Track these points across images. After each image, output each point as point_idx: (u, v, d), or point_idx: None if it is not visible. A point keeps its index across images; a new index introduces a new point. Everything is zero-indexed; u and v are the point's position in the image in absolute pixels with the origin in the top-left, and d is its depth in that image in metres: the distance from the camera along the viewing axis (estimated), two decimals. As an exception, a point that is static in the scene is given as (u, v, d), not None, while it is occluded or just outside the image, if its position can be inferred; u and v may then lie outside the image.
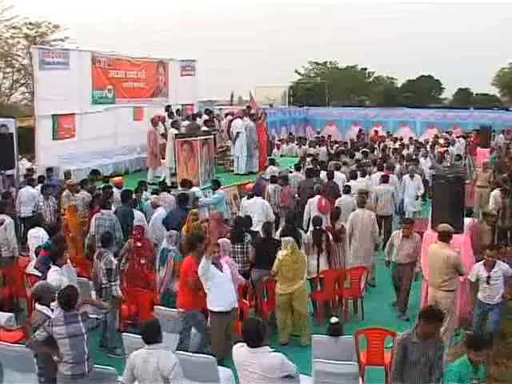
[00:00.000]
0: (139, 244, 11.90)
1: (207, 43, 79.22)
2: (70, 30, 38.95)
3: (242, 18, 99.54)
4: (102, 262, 10.33)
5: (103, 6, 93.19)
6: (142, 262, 11.81)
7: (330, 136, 31.83)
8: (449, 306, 10.33)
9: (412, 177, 18.68)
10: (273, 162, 20.45)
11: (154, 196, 14.80)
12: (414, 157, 22.85)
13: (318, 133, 34.93)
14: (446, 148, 26.37)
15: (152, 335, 7.06)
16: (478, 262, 10.84)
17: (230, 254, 11.30)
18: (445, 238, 10.52)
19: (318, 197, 15.67)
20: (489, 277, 10.35)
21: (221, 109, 27.61)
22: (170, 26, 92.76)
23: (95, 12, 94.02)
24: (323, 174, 18.28)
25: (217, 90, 41.80)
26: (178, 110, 23.27)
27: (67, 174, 17.17)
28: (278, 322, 11.17)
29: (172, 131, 19.04)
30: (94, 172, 17.94)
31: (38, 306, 8.27)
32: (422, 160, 22.57)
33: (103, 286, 10.35)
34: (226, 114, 23.77)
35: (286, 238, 11.36)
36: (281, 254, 11.14)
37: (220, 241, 11.00)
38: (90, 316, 8.14)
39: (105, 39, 45.81)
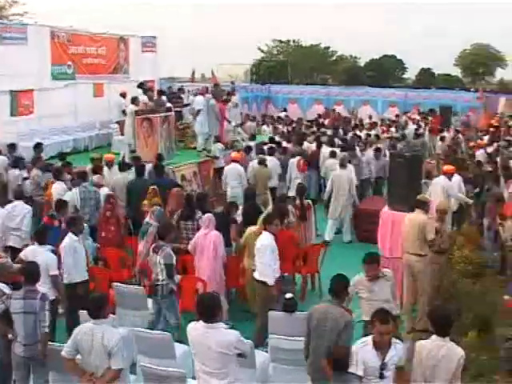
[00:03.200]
0: (108, 214, 12.30)
1: (168, 20, 78.48)
2: (28, 5, 38.38)
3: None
4: (161, 256, 9.63)
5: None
6: (112, 228, 12.30)
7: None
8: (422, 269, 10.70)
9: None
10: (217, 140, 20.13)
11: (97, 176, 14.56)
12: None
13: (285, 110, 35.03)
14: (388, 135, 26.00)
15: (97, 310, 7.01)
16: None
17: (181, 232, 11.50)
18: (419, 205, 10.89)
19: (297, 157, 17.64)
20: None
21: (182, 86, 27.39)
22: (130, 4, 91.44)
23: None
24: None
25: (179, 67, 41.48)
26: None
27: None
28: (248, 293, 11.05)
29: (131, 107, 18.84)
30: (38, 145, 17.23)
31: None
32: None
33: (159, 283, 9.63)
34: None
35: (263, 216, 11.18)
36: (249, 228, 11.12)
37: (205, 216, 11.00)
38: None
39: (65, 15, 45.26)
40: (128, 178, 14.55)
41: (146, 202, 12.61)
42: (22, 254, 9.79)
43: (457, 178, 14.64)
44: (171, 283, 9.65)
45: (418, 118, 30.65)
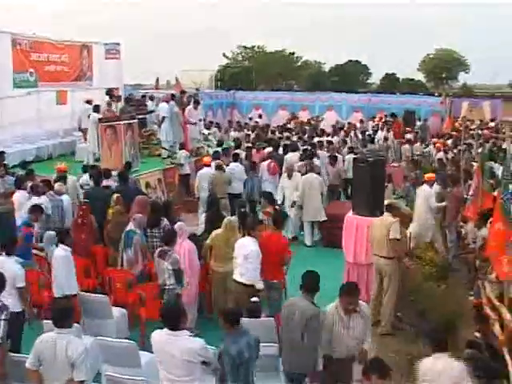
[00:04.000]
0: (80, 221, 12.27)
1: (132, 28, 78.33)
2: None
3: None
4: (168, 262, 9.76)
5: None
6: (83, 236, 12.07)
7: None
8: (391, 272, 10.80)
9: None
10: (182, 147, 20.05)
11: (58, 183, 14.44)
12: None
13: (250, 119, 35.00)
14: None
15: (62, 319, 6.88)
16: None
17: (147, 239, 11.49)
18: (389, 209, 11.13)
19: (268, 160, 17.96)
20: None
21: (147, 92, 27.33)
22: (92, 11, 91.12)
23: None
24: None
25: (143, 74, 41.40)
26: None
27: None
28: (212, 297, 11.10)
29: (94, 115, 18.79)
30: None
31: None
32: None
33: (167, 287, 9.80)
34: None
35: (226, 218, 11.44)
36: (215, 231, 11.16)
37: (177, 225, 10.97)
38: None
39: (26, 22, 44.93)
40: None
41: (110, 210, 12.57)
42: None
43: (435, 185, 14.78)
44: (178, 288, 9.79)
45: (380, 123, 30.88)
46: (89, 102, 20.93)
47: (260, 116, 35.61)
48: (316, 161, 18.04)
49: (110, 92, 21.91)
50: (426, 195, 14.25)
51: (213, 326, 10.30)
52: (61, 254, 9.73)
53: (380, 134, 26.88)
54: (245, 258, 9.96)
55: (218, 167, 16.70)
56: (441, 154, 21.46)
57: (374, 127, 29.76)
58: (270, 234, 10.63)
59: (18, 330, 8.04)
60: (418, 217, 14.14)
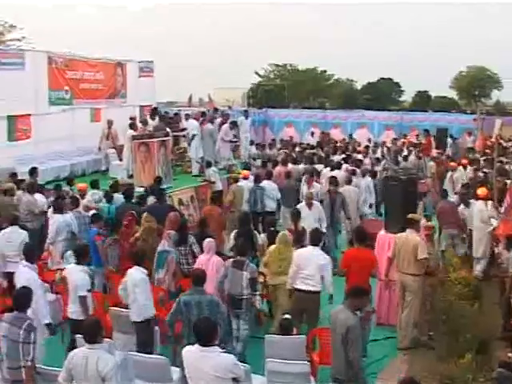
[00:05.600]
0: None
1: (165, 44, 79.03)
2: (26, 29, 38.61)
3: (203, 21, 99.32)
4: (247, 272, 10.04)
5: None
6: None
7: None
8: (415, 289, 10.90)
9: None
10: (209, 165, 20.04)
11: (87, 199, 14.67)
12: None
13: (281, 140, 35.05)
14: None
15: (92, 335, 6.96)
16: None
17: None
18: (410, 224, 11.18)
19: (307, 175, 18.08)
20: None
21: (180, 110, 27.53)
22: (126, 28, 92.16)
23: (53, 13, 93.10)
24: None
25: (176, 91, 41.67)
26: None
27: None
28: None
29: (129, 132, 19.01)
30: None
31: None
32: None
33: (244, 297, 10.05)
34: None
35: (281, 233, 11.83)
36: (271, 247, 11.53)
37: (205, 241, 11.22)
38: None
39: (62, 40, 45.53)
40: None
41: (140, 227, 12.68)
42: (64, 272, 10.02)
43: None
44: (254, 297, 10.17)
45: (414, 141, 30.70)
46: (132, 118, 21.19)
47: (291, 138, 35.54)
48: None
49: (153, 110, 22.30)
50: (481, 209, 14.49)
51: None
52: (139, 276, 9.68)
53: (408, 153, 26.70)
54: (319, 268, 10.33)
55: (236, 181, 17.24)
56: (470, 172, 21.04)
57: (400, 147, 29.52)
58: (358, 251, 10.88)
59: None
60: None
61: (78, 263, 9.81)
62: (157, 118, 21.90)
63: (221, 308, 8.88)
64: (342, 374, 7.60)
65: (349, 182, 17.46)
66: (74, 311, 9.59)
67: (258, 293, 10.37)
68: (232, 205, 16.65)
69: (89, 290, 9.64)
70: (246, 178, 17.65)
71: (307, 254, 10.59)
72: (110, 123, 21.70)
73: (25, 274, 9.24)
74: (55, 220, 13.23)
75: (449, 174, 20.74)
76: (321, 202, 15.55)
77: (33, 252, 9.73)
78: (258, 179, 17.39)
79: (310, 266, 10.37)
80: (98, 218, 12.95)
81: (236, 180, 17.43)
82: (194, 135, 20.85)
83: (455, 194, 18.20)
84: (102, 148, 21.55)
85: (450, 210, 15.55)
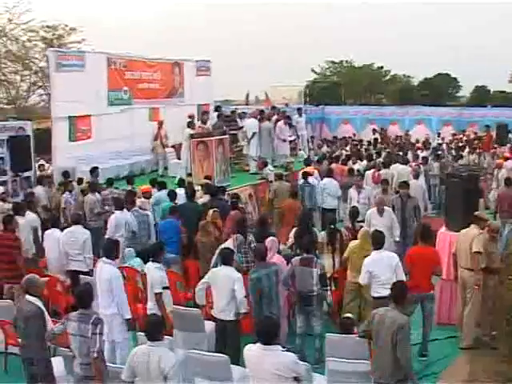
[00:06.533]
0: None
1: (221, 43, 79.29)
2: (86, 32, 39.10)
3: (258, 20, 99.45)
4: (317, 268, 10.19)
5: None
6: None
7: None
8: (472, 284, 10.73)
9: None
10: (265, 164, 20.13)
11: (141, 199, 14.80)
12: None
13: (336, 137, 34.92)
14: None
15: (154, 332, 7.03)
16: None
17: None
18: (475, 221, 11.02)
19: (372, 170, 18.76)
20: None
21: (236, 108, 27.63)
22: (181, 26, 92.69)
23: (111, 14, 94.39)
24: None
25: (233, 89, 41.81)
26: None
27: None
28: (343, 307, 11.31)
29: (187, 131, 19.17)
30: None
31: (28, 297, 8.20)
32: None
33: (314, 293, 10.15)
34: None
35: (363, 229, 11.86)
36: (352, 242, 11.53)
37: (268, 240, 11.17)
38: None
39: (120, 41, 46.12)
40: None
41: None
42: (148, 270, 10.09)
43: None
44: (324, 292, 10.38)
45: (472, 136, 30.27)
46: (190, 116, 21.40)
47: (354, 134, 35.36)
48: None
49: (218, 109, 22.50)
50: None
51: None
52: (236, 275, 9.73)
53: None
54: (394, 269, 10.03)
55: (279, 177, 17.22)
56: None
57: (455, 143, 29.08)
58: (422, 248, 10.71)
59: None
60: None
61: (154, 261, 9.95)
62: (215, 116, 22.04)
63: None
64: (386, 377, 7.49)
65: (416, 176, 17.41)
66: (151, 308, 9.72)
67: (328, 288, 10.52)
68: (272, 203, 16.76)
69: (164, 288, 9.74)
70: (310, 175, 17.48)
71: (378, 256, 10.24)
72: (160, 123, 21.97)
73: (107, 270, 9.41)
74: (114, 216, 13.48)
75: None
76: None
77: (112, 249, 9.87)
78: (304, 176, 17.31)
79: (386, 271, 10.05)
80: (175, 210, 13.42)
81: (280, 177, 17.36)
82: (254, 133, 20.90)
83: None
84: (156, 149, 21.88)
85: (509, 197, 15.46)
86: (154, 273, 9.73)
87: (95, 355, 7.52)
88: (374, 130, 33.27)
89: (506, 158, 21.11)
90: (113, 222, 13.31)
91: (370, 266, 10.12)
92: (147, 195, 15.05)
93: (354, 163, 20.67)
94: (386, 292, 9.73)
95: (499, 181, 18.89)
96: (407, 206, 14.50)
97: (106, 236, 13.08)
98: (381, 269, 10.03)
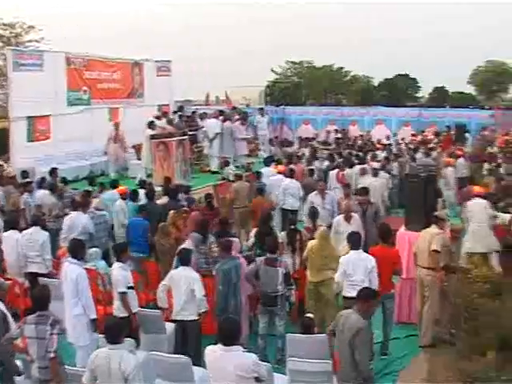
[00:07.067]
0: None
1: (182, 45, 79.08)
2: (44, 30, 38.66)
3: (218, 20, 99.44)
4: (282, 268, 10.18)
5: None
6: None
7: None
8: (431, 284, 10.83)
9: None
10: (227, 163, 20.20)
11: (96, 200, 14.54)
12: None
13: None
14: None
15: (114, 335, 6.98)
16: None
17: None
18: (436, 221, 11.13)
19: (336, 170, 18.46)
20: None
21: (197, 109, 27.56)
22: (141, 29, 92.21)
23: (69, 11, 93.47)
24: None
25: (193, 90, 41.66)
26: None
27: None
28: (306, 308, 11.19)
29: (148, 132, 19.07)
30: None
31: None
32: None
33: (278, 293, 10.14)
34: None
35: (321, 228, 11.78)
36: (311, 242, 11.44)
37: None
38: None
39: (79, 40, 45.76)
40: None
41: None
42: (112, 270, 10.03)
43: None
44: (288, 291, 10.31)
45: (432, 137, 30.54)
46: (158, 118, 21.28)
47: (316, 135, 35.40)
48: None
49: (180, 109, 22.40)
50: (483, 205, 13.91)
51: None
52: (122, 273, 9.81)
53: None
54: (369, 272, 9.96)
55: (239, 177, 17.10)
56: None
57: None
58: (382, 248, 10.72)
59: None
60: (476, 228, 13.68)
61: (118, 260, 9.92)
62: (177, 117, 22.00)
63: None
64: (349, 378, 7.45)
65: (375, 174, 17.40)
66: (118, 308, 9.66)
67: (293, 287, 10.44)
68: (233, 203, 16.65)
69: (129, 287, 9.69)
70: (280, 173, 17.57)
71: (353, 258, 10.19)
72: (116, 125, 21.74)
73: (74, 270, 9.35)
74: (69, 217, 13.35)
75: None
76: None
77: (78, 249, 9.77)
78: (258, 176, 17.41)
79: (358, 271, 10.02)
80: (144, 209, 13.48)
81: (240, 177, 17.24)
82: (216, 133, 20.89)
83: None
84: (108, 151, 21.48)
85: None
86: (118, 272, 9.68)
87: (52, 355, 7.45)
88: (336, 131, 33.41)
89: (458, 156, 21.47)
90: (67, 223, 13.16)
91: (345, 264, 10.15)
92: (124, 197, 14.86)
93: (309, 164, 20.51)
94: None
95: (447, 178, 19.56)
96: (367, 212, 14.39)
97: (61, 236, 13.02)
98: (355, 269, 10.03)
